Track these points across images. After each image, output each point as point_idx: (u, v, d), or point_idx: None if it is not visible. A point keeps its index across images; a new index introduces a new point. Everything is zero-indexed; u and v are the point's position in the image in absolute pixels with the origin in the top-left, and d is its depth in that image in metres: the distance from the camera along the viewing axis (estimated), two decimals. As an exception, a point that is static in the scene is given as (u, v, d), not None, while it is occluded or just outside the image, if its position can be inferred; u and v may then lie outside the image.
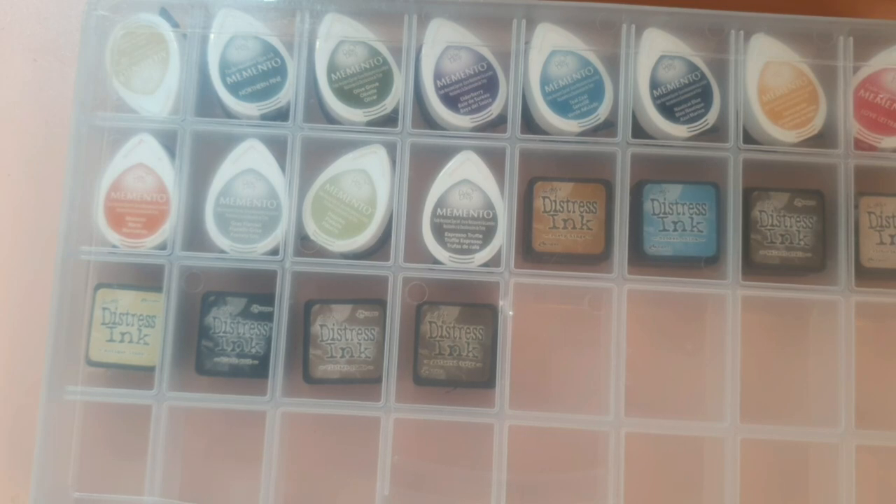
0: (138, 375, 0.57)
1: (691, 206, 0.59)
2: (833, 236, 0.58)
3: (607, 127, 0.60)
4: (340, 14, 0.60)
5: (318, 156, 0.59)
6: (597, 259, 0.59)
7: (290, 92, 0.59)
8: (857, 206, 0.59)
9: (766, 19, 0.59)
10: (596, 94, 0.59)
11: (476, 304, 0.58)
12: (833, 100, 0.59)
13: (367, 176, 0.58)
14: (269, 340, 0.57)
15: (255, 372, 0.57)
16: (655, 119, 0.59)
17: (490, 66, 0.60)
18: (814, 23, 0.60)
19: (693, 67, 0.60)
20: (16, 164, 0.64)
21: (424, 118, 0.62)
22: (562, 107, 0.59)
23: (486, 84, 0.59)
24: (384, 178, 0.58)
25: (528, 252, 0.59)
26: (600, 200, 0.59)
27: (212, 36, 0.59)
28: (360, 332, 0.58)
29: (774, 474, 0.60)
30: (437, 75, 0.59)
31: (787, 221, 0.59)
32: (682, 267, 0.60)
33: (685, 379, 0.61)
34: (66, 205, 0.57)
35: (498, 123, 0.60)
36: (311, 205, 0.58)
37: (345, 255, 0.59)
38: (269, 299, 0.57)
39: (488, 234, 0.58)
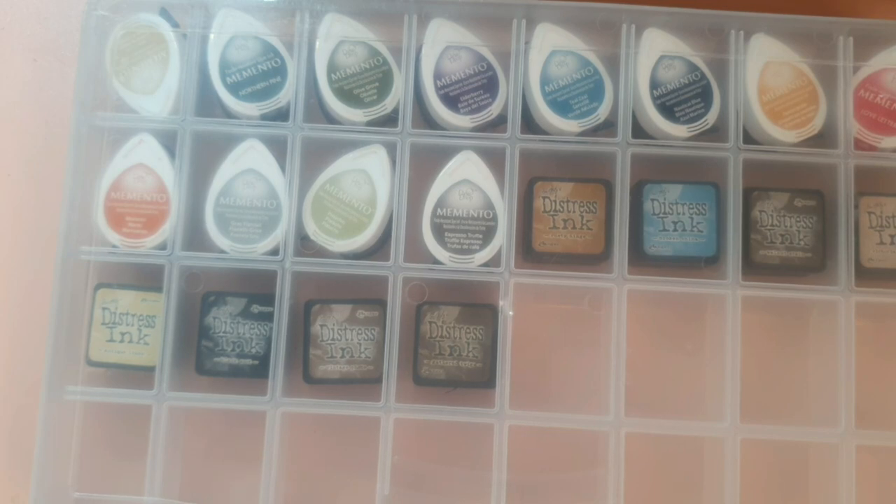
0: (138, 375, 0.57)
1: (691, 206, 0.59)
2: (833, 236, 0.58)
3: (607, 127, 0.60)
4: (340, 14, 0.60)
5: (318, 156, 0.59)
6: (597, 259, 0.59)
7: (290, 92, 0.59)
8: (857, 206, 0.59)
9: (766, 19, 0.59)
10: (596, 94, 0.59)
11: (476, 304, 0.58)
12: (833, 100, 0.59)
13: (367, 176, 0.58)
14: (269, 340, 0.57)
15: (255, 372, 0.57)
16: (655, 119, 0.59)
17: (490, 66, 0.60)
18: (814, 23, 0.60)
19: (693, 67, 0.60)
20: (16, 164, 0.64)
21: (424, 118, 0.62)
22: (562, 107, 0.59)
23: (486, 84, 0.59)
24: (384, 178, 0.58)
25: (528, 252, 0.59)
26: (600, 200, 0.59)
27: (212, 36, 0.59)
28: (360, 332, 0.58)
29: (774, 474, 0.60)
30: (437, 75, 0.59)
31: (787, 221, 0.59)
32: (682, 267, 0.60)
33: (685, 379, 0.61)
34: (66, 205, 0.57)
35: (498, 123, 0.60)
36: (311, 205, 0.58)
37: (345, 255, 0.59)
38: (269, 299, 0.57)
39: (488, 234, 0.58)
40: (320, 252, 0.58)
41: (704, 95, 0.60)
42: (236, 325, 0.58)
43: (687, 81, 0.60)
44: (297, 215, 0.58)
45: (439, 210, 0.58)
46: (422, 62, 0.59)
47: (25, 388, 0.60)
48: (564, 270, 0.58)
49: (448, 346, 0.58)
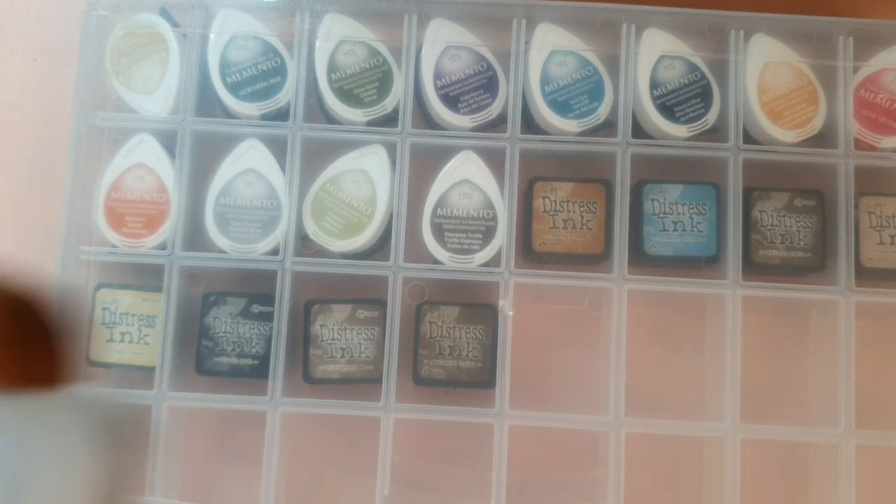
0: (138, 375, 0.57)
1: (691, 206, 0.59)
2: (833, 236, 0.58)
3: (607, 127, 0.60)
4: (340, 14, 0.60)
5: (318, 156, 0.59)
6: (597, 259, 0.59)
7: (290, 92, 0.59)
8: (857, 206, 0.59)
9: (766, 19, 0.59)
10: (596, 94, 0.59)
11: (476, 304, 0.58)
12: (833, 100, 0.59)
13: (367, 176, 0.58)
14: (269, 340, 0.57)
15: (255, 372, 0.57)
16: (655, 119, 0.59)
17: (490, 66, 0.60)
18: (814, 23, 0.60)
19: (693, 67, 0.60)
20: (16, 164, 0.64)
21: (424, 118, 0.62)
22: (562, 107, 0.59)
23: (486, 84, 0.59)
24: (384, 178, 0.58)
25: (528, 252, 0.59)
26: (600, 200, 0.59)
27: (212, 36, 0.59)
28: (360, 332, 0.58)
29: (774, 474, 0.60)
30: (437, 75, 0.59)
31: (787, 221, 0.59)
32: (682, 267, 0.60)
33: (685, 379, 0.61)
34: (66, 205, 0.57)
35: (498, 123, 0.60)
36: (311, 205, 0.58)
37: (345, 255, 0.59)
38: (269, 299, 0.57)
39: (488, 234, 0.58)
40: (320, 252, 0.58)
41: (704, 95, 0.60)
42: (236, 325, 0.58)
43: (687, 81, 0.60)
44: (297, 215, 0.58)
45: (439, 210, 0.58)
46: (422, 62, 0.59)
47: (25, 388, 0.60)
48: (564, 270, 0.58)
49: (448, 346, 0.58)
